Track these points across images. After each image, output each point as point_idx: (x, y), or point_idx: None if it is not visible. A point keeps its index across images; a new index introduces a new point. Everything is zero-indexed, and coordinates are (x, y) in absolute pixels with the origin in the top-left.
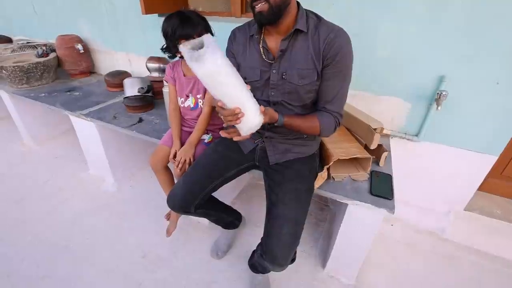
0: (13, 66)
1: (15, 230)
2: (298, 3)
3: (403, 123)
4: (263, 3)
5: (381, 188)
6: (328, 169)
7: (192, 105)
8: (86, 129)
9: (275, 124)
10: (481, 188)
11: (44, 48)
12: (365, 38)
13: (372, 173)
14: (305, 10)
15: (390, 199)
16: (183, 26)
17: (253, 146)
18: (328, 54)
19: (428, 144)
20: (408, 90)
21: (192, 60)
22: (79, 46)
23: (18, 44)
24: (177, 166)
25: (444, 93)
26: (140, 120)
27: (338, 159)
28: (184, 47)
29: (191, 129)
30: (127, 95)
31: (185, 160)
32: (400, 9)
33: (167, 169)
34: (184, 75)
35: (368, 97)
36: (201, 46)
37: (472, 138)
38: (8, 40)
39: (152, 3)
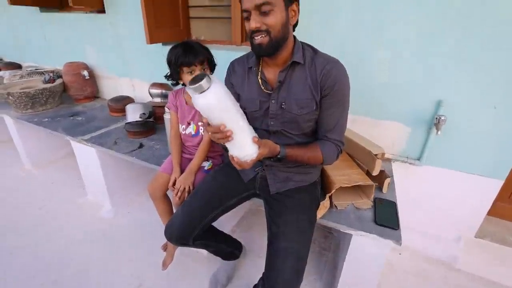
0: (20, 92)
1: (4, 260)
2: (294, 36)
3: (404, 147)
4: (263, 35)
5: (386, 217)
6: (330, 197)
7: (193, 132)
8: (86, 154)
9: (278, 157)
10: (490, 213)
11: (51, 74)
12: (362, 65)
13: (375, 200)
14: (301, 42)
15: (396, 229)
16: (185, 55)
17: (253, 175)
18: (326, 85)
19: (431, 168)
20: (407, 115)
21: (196, 92)
22: (85, 73)
23: (27, 70)
24: (176, 194)
25: (442, 117)
26: (141, 146)
27: (340, 186)
28: (190, 85)
29: (191, 156)
30: (128, 121)
31: (184, 188)
32: (392, 39)
33: (165, 197)
34: (186, 103)
35: (368, 122)
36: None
37: (475, 162)
38: (18, 67)
39: (157, 33)
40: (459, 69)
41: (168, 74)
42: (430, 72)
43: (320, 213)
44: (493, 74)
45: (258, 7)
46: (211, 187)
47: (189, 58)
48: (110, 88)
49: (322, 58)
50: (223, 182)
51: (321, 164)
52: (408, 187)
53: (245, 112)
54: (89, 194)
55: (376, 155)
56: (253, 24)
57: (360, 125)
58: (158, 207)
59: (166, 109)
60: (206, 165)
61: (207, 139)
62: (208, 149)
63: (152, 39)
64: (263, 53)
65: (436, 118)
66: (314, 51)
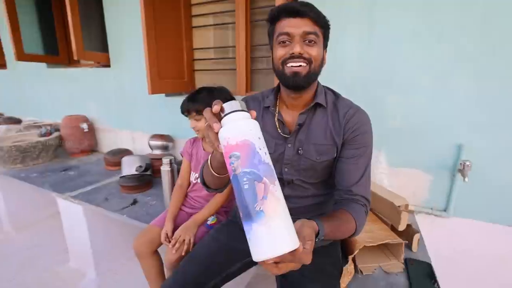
0: (10, 146)
1: None
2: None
3: (426, 196)
4: (304, 64)
5: (422, 283)
6: (353, 259)
7: None
8: (72, 212)
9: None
10: None
11: (48, 127)
12: (372, 109)
13: (406, 261)
14: (323, 86)
15: None
16: (187, 101)
17: None
18: (350, 128)
19: (461, 220)
20: (426, 161)
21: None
22: (84, 125)
23: (24, 124)
24: (173, 246)
25: (467, 163)
26: (134, 202)
27: (364, 245)
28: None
29: (192, 210)
30: (123, 174)
31: (184, 240)
32: (403, 83)
33: (155, 254)
34: (204, 150)
35: (384, 169)
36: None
37: None
38: (17, 121)
39: (159, 84)
40: (477, 113)
41: None
42: (446, 116)
43: (344, 281)
44: None
45: (305, 35)
46: (211, 250)
47: (187, 106)
48: (110, 141)
49: (344, 102)
50: (225, 244)
51: (352, 235)
52: (437, 243)
53: None
54: (71, 260)
55: (399, 206)
56: (298, 48)
57: (375, 173)
58: (145, 266)
59: (163, 160)
60: (210, 219)
61: (225, 192)
62: (222, 203)
63: (154, 90)
64: (298, 83)
65: (461, 163)
66: (336, 95)
